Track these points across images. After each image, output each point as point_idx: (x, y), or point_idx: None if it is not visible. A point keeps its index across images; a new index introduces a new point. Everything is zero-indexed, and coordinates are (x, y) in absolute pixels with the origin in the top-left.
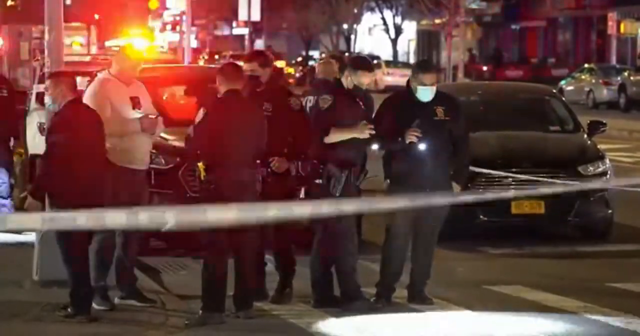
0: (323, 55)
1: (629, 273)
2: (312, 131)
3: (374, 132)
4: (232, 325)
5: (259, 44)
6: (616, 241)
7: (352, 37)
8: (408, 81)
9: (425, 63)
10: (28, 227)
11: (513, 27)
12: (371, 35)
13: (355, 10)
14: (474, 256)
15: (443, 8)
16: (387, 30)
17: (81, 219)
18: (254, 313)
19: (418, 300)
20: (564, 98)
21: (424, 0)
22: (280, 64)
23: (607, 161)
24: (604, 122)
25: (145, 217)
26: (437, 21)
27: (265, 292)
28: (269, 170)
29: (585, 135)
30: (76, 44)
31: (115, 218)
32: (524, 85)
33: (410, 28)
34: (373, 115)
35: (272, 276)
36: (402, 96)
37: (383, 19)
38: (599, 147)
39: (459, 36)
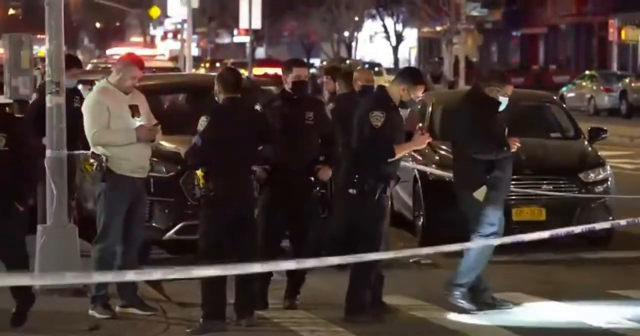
0: (324, 63)
1: (630, 280)
2: (371, 148)
3: (430, 139)
4: (233, 333)
5: (260, 52)
6: (617, 248)
7: (354, 44)
8: (483, 89)
9: (506, 75)
10: (18, 283)
11: (514, 34)
12: (372, 42)
13: (356, 18)
14: None
15: (444, 15)
16: (388, 38)
17: (69, 277)
18: (256, 321)
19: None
20: (564, 105)
21: (425, 7)
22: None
23: (608, 168)
24: (605, 128)
25: (132, 277)
26: (438, 28)
27: (266, 300)
28: (313, 178)
29: (586, 142)
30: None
31: (104, 277)
32: (525, 92)
33: (411, 35)
34: (458, 124)
35: (274, 284)
36: (492, 105)
37: (384, 26)
38: (599, 153)
39: (460, 43)
